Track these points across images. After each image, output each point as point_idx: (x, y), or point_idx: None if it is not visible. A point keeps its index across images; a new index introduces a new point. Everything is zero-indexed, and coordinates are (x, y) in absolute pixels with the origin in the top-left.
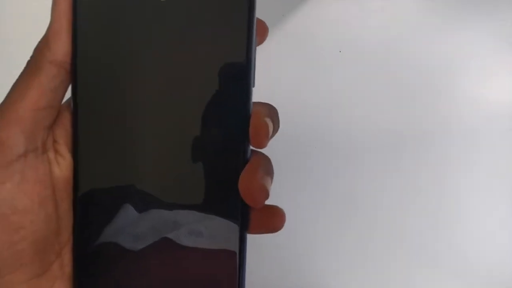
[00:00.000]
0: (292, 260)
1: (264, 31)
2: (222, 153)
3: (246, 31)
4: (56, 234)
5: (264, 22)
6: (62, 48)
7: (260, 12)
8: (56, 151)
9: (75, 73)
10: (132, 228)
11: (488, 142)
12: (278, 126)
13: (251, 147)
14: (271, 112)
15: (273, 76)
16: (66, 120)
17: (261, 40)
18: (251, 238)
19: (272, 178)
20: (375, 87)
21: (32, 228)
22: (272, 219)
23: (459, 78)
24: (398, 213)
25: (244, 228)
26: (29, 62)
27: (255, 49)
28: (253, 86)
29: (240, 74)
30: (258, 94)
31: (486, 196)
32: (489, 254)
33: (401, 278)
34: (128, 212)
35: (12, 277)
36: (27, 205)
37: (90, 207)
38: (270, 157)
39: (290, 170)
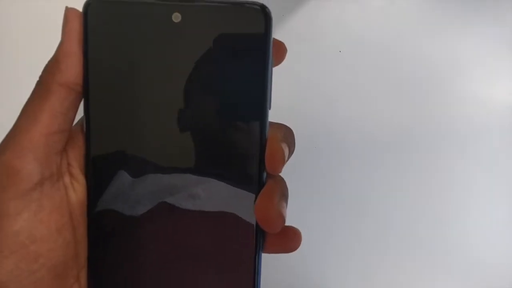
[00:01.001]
0: (292, 260)
1: (282, 52)
2: (238, 177)
3: (262, 55)
4: (74, 258)
5: (282, 43)
6: (73, 70)
7: None
8: (71, 175)
9: (87, 94)
10: (147, 246)
11: (490, 142)
12: (294, 148)
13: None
14: (287, 135)
15: (273, 76)
16: (79, 143)
17: (278, 62)
18: None
19: (287, 201)
20: (375, 87)
21: (50, 255)
22: (289, 241)
23: (460, 79)
24: (398, 213)
25: (260, 249)
26: (38, 84)
27: (271, 71)
28: (269, 109)
29: (256, 98)
30: None
31: (485, 196)
32: (490, 254)
33: (403, 276)
34: (142, 229)
35: None
36: (45, 234)
37: (104, 225)
38: None
39: (290, 170)
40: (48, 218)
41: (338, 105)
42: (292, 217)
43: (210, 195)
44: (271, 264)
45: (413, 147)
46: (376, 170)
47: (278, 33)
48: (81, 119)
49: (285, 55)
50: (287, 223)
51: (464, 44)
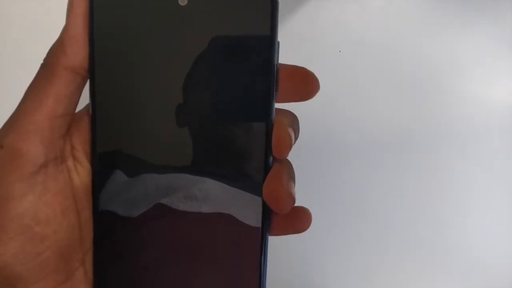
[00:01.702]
0: (292, 260)
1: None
2: (244, 160)
3: (269, 39)
4: (79, 242)
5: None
6: (78, 54)
7: None
8: (75, 159)
9: (93, 78)
10: (153, 234)
11: (490, 142)
12: (299, 134)
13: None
14: (293, 121)
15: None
16: (84, 126)
17: (305, 97)
18: None
19: (295, 181)
20: (375, 87)
21: (55, 237)
22: (299, 221)
23: (460, 78)
24: (399, 213)
25: (267, 232)
26: (43, 67)
27: (278, 56)
28: (276, 95)
29: (262, 82)
30: None
31: (485, 196)
32: (490, 254)
33: (403, 277)
34: (148, 215)
35: (39, 286)
36: (50, 216)
37: (109, 212)
38: None
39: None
40: (52, 200)
41: (338, 105)
42: None
43: (218, 180)
44: (271, 264)
45: (413, 147)
46: (377, 170)
47: (278, 33)
48: (87, 105)
49: (314, 89)
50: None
51: (464, 44)
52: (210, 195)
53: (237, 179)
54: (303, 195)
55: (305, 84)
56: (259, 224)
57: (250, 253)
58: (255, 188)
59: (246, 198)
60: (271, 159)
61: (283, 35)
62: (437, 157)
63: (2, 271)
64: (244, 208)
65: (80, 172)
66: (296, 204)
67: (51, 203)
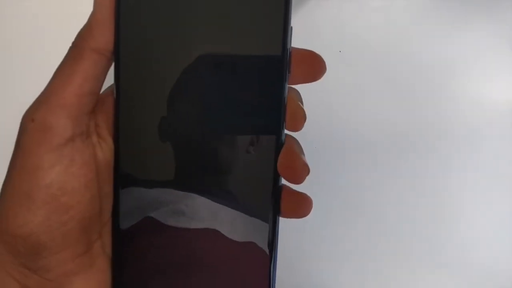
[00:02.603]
0: (292, 260)
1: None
2: (258, 137)
3: (282, 22)
4: (98, 214)
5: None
6: (105, 37)
7: None
8: (99, 136)
9: (118, 61)
10: (172, 207)
11: (489, 141)
12: None
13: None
14: (300, 98)
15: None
16: (108, 106)
17: (312, 78)
18: None
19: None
20: (375, 87)
21: (79, 208)
22: (302, 205)
23: (460, 78)
24: (398, 213)
25: (277, 213)
26: (72, 48)
27: (291, 35)
28: (289, 76)
29: (276, 60)
30: None
31: (488, 196)
32: (489, 253)
33: (401, 277)
34: (168, 192)
35: (61, 255)
36: (75, 187)
37: (129, 189)
38: None
39: None
40: (78, 172)
41: (338, 105)
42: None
43: (231, 153)
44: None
45: (412, 147)
46: (375, 170)
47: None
48: (111, 86)
49: (321, 71)
50: (285, 221)
51: (464, 44)
52: (226, 174)
53: (251, 159)
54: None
55: (314, 66)
56: (270, 206)
57: (262, 235)
58: (269, 164)
59: (259, 174)
60: (284, 136)
61: None
62: (437, 157)
63: (28, 239)
64: (256, 187)
65: (104, 148)
66: None
67: (77, 175)
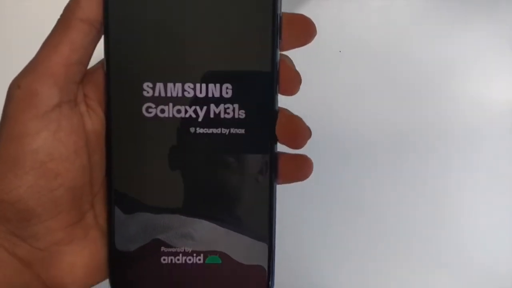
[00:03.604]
0: (292, 260)
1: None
2: (252, 104)
3: None
4: (89, 184)
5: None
6: (93, 6)
7: None
8: (88, 105)
9: (107, 32)
10: (167, 183)
11: (489, 141)
12: None
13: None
14: (293, 63)
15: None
16: (97, 77)
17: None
18: None
19: None
20: (375, 87)
21: (68, 176)
22: (302, 167)
23: (460, 78)
24: (398, 213)
25: (274, 179)
26: (59, 21)
27: (281, 5)
28: (280, 42)
29: (266, 25)
30: None
31: (488, 196)
32: (489, 254)
33: (401, 277)
34: (163, 167)
35: (51, 223)
36: (63, 153)
37: (123, 162)
38: None
39: None
40: (66, 138)
41: (338, 105)
42: (291, 217)
43: (225, 133)
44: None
45: (412, 147)
46: (375, 170)
47: None
48: (101, 60)
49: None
50: (285, 221)
51: (464, 44)
52: (218, 143)
53: (246, 126)
54: (302, 195)
55: (305, 28)
56: (267, 173)
57: (259, 204)
58: (262, 137)
59: (255, 144)
60: (277, 104)
61: None
62: (436, 157)
63: (17, 204)
64: (252, 154)
65: (93, 118)
66: (295, 206)
67: (64, 141)
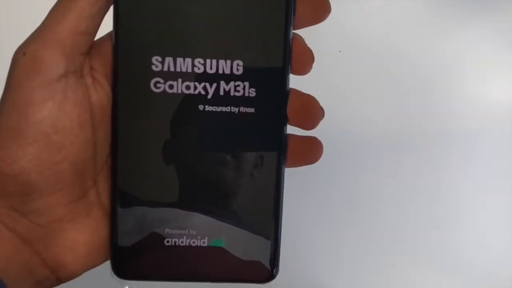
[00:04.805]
0: (291, 260)
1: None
2: (263, 82)
3: None
4: (93, 159)
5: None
6: None
7: None
8: (94, 78)
9: (117, 1)
10: (170, 153)
11: (488, 142)
12: None
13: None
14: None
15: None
16: (105, 50)
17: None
18: None
19: None
20: (375, 87)
21: (72, 149)
22: (312, 150)
23: (459, 78)
24: (398, 213)
25: (283, 161)
26: None
27: None
28: (294, 19)
29: (282, 6)
30: None
31: (486, 196)
32: (489, 254)
33: (401, 277)
34: (169, 147)
35: (53, 198)
36: (68, 125)
37: (129, 138)
38: None
39: (288, 170)
40: (71, 110)
41: (338, 105)
42: (290, 217)
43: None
44: None
45: (412, 147)
46: (375, 170)
47: None
48: (109, 32)
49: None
50: (285, 220)
51: (464, 44)
52: (226, 123)
53: (256, 108)
54: (302, 195)
55: (320, 5)
56: (276, 154)
57: (268, 183)
58: (272, 116)
59: (266, 129)
60: (289, 83)
61: None
62: (436, 157)
63: (19, 177)
64: (264, 140)
65: (99, 91)
66: (296, 206)
67: (69, 113)
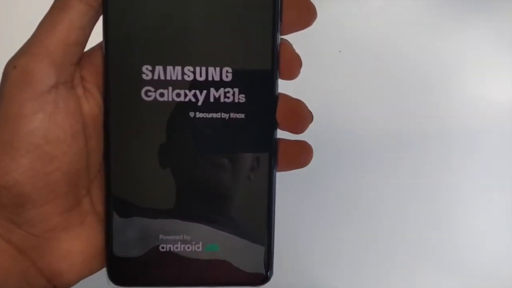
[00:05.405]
0: (290, 260)
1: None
2: (253, 88)
3: None
4: (86, 169)
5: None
6: None
7: None
8: (85, 89)
9: (106, 11)
10: (162, 160)
11: (488, 142)
12: None
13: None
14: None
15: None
16: (95, 60)
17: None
18: None
19: None
20: (375, 87)
21: (64, 159)
22: (302, 153)
23: (459, 78)
24: (397, 213)
25: (274, 165)
26: (56, 0)
27: None
28: (281, 25)
29: (268, 12)
30: None
31: (486, 196)
32: (489, 254)
33: (400, 277)
34: (161, 152)
35: (46, 208)
36: (60, 136)
37: (121, 147)
38: None
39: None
40: (63, 121)
41: (338, 105)
42: (290, 217)
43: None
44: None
45: (412, 147)
46: (375, 169)
47: None
48: (100, 42)
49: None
50: (282, 220)
51: (465, 44)
52: (217, 127)
53: (246, 111)
54: (302, 195)
55: (306, 11)
56: (267, 158)
57: (259, 189)
58: (262, 121)
59: (257, 128)
60: (278, 87)
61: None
62: (436, 157)
63: (12, 188)
64: (255, 139)
65: (90, 101)
66: (295, 206)
67: (61, 124)
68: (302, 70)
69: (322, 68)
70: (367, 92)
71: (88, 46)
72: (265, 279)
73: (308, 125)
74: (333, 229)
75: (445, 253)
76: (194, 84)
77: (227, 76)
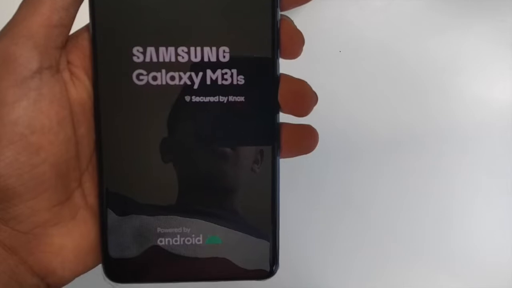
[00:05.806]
0: (291, 260)
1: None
2: (252, 69)
3: None
4: (76, 159)
5: None
6: None
7: None
8: (72, 73)
9: None
10: (157, 149)
11: (488, 142)
12: None
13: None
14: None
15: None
16: (82, 43)
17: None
18: None
19: None
20: (375, 87)
21: (52, 149)
22: (306, 138)
23: (459, 78)
24: (397, 213)
25: (277, 151)
26: None
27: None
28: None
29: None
30: None
31: (486, 196)
32: (488, 254)
33: (400, 277)
34: (154, 138)
35: (34, 203)
36: (46, 124)
37: (114, 135)
38: None
39: (287, 170)
40: (48, 108)
41: (338, 105)
42: (290, 217)
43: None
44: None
45: (413, 147)
46: (377, 170)
47: None
48: (87, 24)
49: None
50: (285, 222)
51: (465, 44)
52: (215, 109)
53: (246, 94)
54: (303, 195)
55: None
56: (270, 144)
57: (262, 177)
58: (263, 104)
59: (257, 113)
60: (279, 67)
61: None
62: (436, 157)
63: None
64: (256, 130)
65: (78, 87)
66: (294, 206)
67: (46, 111)
68: (302, 70)
69: (322, 68)
70: (367, 92)
71: (75, 28)
72: (271, 273)
73: (313, 107)
74: (333, 229)
75: (446, 253)
76: (189, 66)
77: (224, 56)
